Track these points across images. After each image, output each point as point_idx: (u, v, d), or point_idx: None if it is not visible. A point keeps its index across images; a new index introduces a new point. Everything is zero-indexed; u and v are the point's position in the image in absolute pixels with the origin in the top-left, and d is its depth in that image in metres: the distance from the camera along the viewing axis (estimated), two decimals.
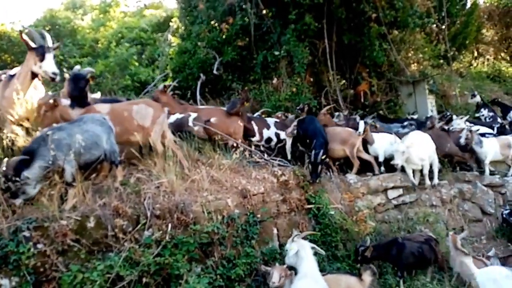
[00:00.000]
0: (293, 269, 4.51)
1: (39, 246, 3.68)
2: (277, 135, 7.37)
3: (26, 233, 3.66)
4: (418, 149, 6.76)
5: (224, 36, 10.05)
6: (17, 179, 3.77)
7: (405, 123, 9.06)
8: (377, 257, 5.43)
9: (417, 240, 5.61)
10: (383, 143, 7.24)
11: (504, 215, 6.99)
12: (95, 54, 13.90)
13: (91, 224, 4.01)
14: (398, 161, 6.67)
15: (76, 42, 14.13)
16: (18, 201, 3.86)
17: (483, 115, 10.73)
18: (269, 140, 7.33)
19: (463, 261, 5.23)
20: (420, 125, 8.56)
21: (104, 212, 4.12)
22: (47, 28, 13.68)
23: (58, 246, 3.74)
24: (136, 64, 12.20)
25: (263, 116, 8.08)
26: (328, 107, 8.63)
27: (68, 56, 13.07)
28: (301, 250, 4.56)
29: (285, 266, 4.51)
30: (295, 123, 7.24)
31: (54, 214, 3.83)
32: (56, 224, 3.78)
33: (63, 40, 13.74)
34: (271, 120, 7.62)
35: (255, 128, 7.21)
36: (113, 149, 4.56)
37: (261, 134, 7.26)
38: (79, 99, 5.01)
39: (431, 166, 7.12)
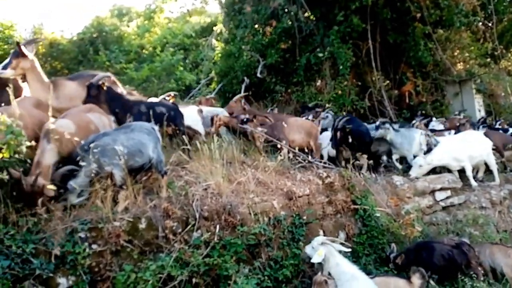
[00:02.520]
0: None
1: (94, 246, 3.79)
2: None
3: (82, 234, 3.77)
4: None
5: (267, 39, 10.14)
6: (63, 188, 3.92)
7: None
8: (408, 263, 5.23)
9: (448, 243, 5.43)
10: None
11: None
12: (141, 60, 14.34)
13: (142, 225, 4.10)
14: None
15: (122, 48, 14.64)
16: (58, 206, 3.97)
17: None
18: None
19: None
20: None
21: (154, 214, 4.21)
22: (94, 35, 14.28)
23: (112, 246, 3.84)
24: (181, 69, 12.49)
25: None
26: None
27: (114, 62, 13.56)
28: (329, 254, 4.42)
29: (323, 275, 4.40)
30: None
31: (107, 215, 3.94)
32: (110, 226, 3.89)
33: (110, 46, 14.28)
34: None
35: None
36: (160, 159, 4.60)
37: None
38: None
39: None
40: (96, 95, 5.14)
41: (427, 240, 5.67)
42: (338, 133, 6.81)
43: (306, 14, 9.65)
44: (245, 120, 6.45)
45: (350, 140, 6.81)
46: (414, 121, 8.47)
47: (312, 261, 4.45)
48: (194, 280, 3.99)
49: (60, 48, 13.81)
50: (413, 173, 6.74)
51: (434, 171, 7.13)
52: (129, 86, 11.13)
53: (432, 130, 8.30)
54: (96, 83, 5.16)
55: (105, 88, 5.21)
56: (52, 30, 14.63)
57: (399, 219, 5.90)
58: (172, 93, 7.88)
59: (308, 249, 4.55)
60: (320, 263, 4.48)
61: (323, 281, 4.26)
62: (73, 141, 4.10)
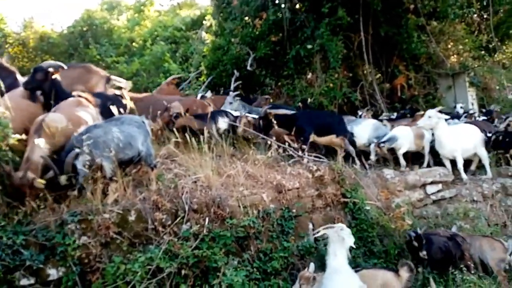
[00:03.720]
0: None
1: (84, 238, 3.81)
2: None
3: (72, 226, 3.80)
4: None
5: (257, 32, 10.10)
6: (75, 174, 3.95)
7: None
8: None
9: (443, 235, 5.48)
10: None
11: None
12: (131, 53, 14.25)
13: (132, 217, 4.11)
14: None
15: (112, 42, 14.54)
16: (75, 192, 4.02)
17: None
18: None
19: None
20: None
21: (144, 206, 4.22)
22: (85, 29, 14.17)
23: (101, 238, 3.86)
24: (170, 61, 12.42)
25: None
26: (172, 77, 8.21)
27: (105, 55, 13.46)
28: (330, 240, 4.48)
29: (310, 271, 4.42)
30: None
31: (97, 207, 3.96)
32: (100, 218, 3.91)
33: (100, 40, 14.17)
34: None
35: None
36: (149, 152, 4.62)
37: None
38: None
39: None
40: (40, 79, 4.89)
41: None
42: (261, 121, 6.66)
43: (297, 6, 9.61)
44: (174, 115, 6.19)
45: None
46: (360, 112, 8.71)
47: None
48: (183, 272, 4.02)
49: (51, 41, 13.71)
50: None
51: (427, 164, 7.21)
52: None
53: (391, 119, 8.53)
54: (45, 68, 4.92)
55: (53, 76, 4.96)
56: (42, 24, 14.57)
57: (389, 212, 5.92)
58: (173, 77, 7.73)
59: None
60: None
61: (311, 277, 4.27)
62: (65, 134, 4.09)
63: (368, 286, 4.26)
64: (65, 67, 5.13)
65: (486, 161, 7.37)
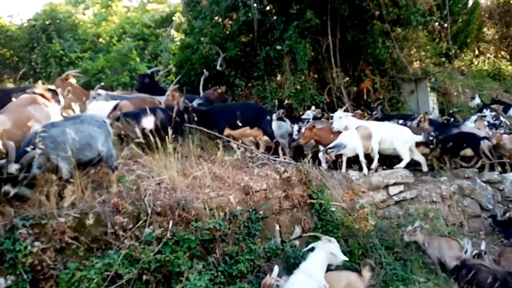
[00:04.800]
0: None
1: (37, 244, 3.60)
2: None
3: (23, 231, 3.58)
4: None
5: (227, 32, 10.00)
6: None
7: None
8: None
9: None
10: None
11: (490, 224, 7.00)
12: (97, 50, 13.81)
13: (90, 221, 3.93)
14: None
15: (77, 37, 14.02)
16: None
17: (485, 116, 10.62)
18: None
19: None
20: None
21: (103, 209, 4.05)
22: (47, 22, 13.62)
23: (56, 244, 3.67)
24: (137, 59, 12.11)
25: None
26: (68, 72, 7.45)
27: (68, 51, 12.99)
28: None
29: (273, 276, 4.39)
30: None
31: (52, 211, 3.77)
32: (54, 222, 3.71)
33: (64, 34, 13.67)
34: None
35: None
36: (110, 153, 4.45)
37: None
38: None
39: None
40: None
41: None
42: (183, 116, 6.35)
43: (267, 8, 9.60)
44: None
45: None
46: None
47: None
48: (144, 277, 3.89)
49: (9, 34, 13.06)
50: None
51: (391, 166, 7.34)
52: (83, 77, 10.72)
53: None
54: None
55: None
56: None
57: (354, 213, 5.98)
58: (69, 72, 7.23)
59: None
60: None
61: (274, 284, 4.24)
62: (9, 137, 3.88)
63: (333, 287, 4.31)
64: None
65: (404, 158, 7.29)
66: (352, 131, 7.10)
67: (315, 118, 8.46)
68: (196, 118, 6.38)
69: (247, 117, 6.68)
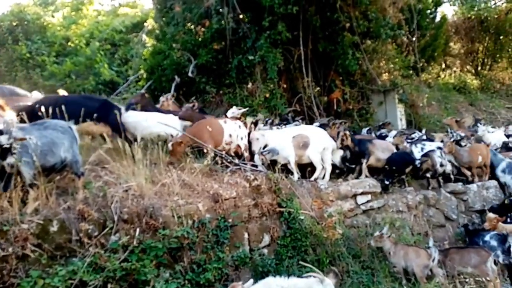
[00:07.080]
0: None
1: None
2: None
3: None
4: None
5: (199, 39, 10.03)
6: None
7: None
8: None
9: None
10: None
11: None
12: (66, 53, 13.51)
13: (54, 228, 3.85)
14: None
15: (45, 40, 13.68)
16: None
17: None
18: None
19: None
20: None
21: (68, 216, 3.97)
22: (14, 24, 13.25)
23: (18, 251, 3.57)
24: (102, 63, 11.90)
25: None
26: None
27: (36, 54, 12.66)
28: None
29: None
30: None
31: (14, 217, 3.66)
32: (17, 228, 3.62)
33: (32, 36, 13.31)
34: None
35: None
36: (75, 159, 4.38)
37: None
38: None
39: None
40: None
41: None
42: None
43: (240, 17, 9.67)
44: None
45: None
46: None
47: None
48: (109, 285, 3.83)
49: None
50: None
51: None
52: (49, 81, 10.46)
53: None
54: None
55: None
56: None
57: (322, 221, 6.04)
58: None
59: None
60: None
61: None
62: None
63: None
64: None
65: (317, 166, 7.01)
66: (287, 139, 6.88)
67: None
68: None
69: (91, 112, 5.70)
